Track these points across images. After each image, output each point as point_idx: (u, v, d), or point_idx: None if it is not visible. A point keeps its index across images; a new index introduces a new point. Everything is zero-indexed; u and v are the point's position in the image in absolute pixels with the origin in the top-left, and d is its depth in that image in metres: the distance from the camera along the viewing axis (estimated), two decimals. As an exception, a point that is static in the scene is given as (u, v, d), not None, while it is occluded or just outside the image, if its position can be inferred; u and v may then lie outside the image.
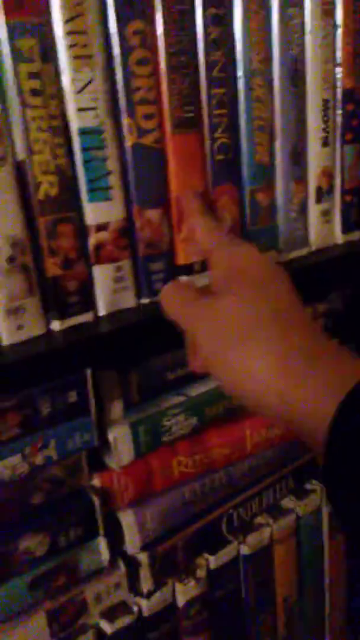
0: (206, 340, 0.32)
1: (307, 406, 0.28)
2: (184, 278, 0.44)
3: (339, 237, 0.55)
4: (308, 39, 0.48)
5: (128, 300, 0.44)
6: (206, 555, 0.54)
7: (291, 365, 0.29)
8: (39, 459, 0.41)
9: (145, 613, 0.50)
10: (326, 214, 0.54)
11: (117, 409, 0.46)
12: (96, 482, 0.47)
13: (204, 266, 0.45)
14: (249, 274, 0.33)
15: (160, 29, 0.40)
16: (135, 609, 0.49)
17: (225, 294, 0.33)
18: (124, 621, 0.48)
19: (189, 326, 0.34)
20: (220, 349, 0.31)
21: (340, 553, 0.66)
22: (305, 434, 0.29)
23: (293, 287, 0.33)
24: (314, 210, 0.53)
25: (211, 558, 0.54)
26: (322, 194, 0.53)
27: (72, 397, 0.41)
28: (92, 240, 0.41)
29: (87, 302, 0.42)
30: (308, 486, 0.62)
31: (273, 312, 0.31)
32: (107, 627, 0.47)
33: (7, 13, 0.34)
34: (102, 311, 0.43)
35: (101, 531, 0.46)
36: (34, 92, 0.35)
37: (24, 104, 0.35)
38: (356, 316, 0.61)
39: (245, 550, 0.56)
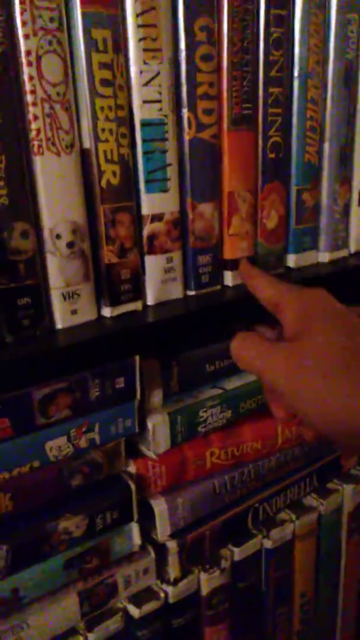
0: (293, 382, 0.32)
1: None
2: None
3: (378, 241, 0.56)
4: (363, 43, 0.48)
5: (176, 291, 0.45)
6: (231, 546, 0.55)
7: None
8: (83, 442, 0.42)
9: (171, 600, 0.51)
10: (368, 217, 0.54)
11: (156, 397, 0.47)
12: (131, 468, 0.48)
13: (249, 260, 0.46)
14: (325, 311, 0.33)
15: (225, 26, 0.40)
16: (161, 595, 0.50)
17: (308, 334, 0.32)
18: (150, 606, 0.49)
19: (270, 374, 0.33)
20: (317, 387, 0.31)
21: (356, 553, 0.67)
22: None
23: None
24: (356, 213, 0.53)
25: (236, 550, 0.55)
26: (366, 197, 0.53)
27: (120, 383, 0.42)
28: (147, 230, 0.42)
29: (138, 291, 0.42)
30: (331, 485, 0.63)
31: (354, 347, 0.31)
32: (134, 612, 0.48)
33: (83, 2, 0.34)
34: (150, 301, 0.44)
35: (135, 516, 0.47)
36: (105, 82, 0.36)
37: (94, 93, 0.36)
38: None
39: (268, 544, 0.57)
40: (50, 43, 0.34)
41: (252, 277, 0.39)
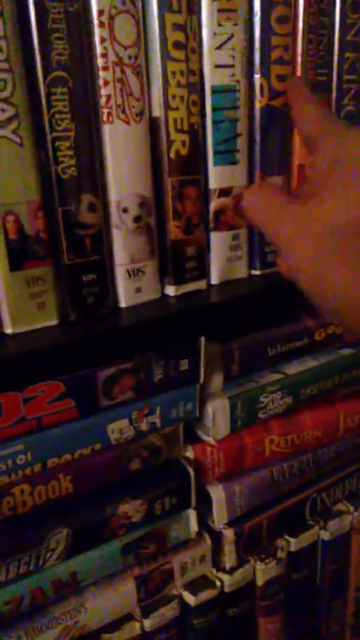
0: (298, 249, 0.27)
1: None
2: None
3: None
4: None
5: (240, 270, 0.43)
6: (287, 537, 0.53)
7: None
8: (144, 425, 0.41)
9: (227, 589, 0.49)
10: None
11: (217, 381, 0.45)
12: (189, 454, 0.46)
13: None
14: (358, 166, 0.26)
15: (302, -15, 0.38)
16: (217, 583, 0.49)
17: (326, 196, 0.26)
18: (207, 595, 0.48)
19: (275, 233, 0.29)
20: (315, 261, 0.26)
21: None
22: None
23: None
24: None
25: (292, 540, 0.53)
26: None
27: (184, 365, 0.40)
28: (214, 205, 0.40)
29: (203, 269, 0.41)
30: (390, 477, 0.60)
31: None
32: (190, 599, 0.47)
33: None
34: (214, 280, 0.42)
35: (193, 503, 0.45)
36: (177, 45, 0.34)
37: (166, 57, 0.34)
38: None
39: (325, 535, 0.55)
40: (123, 2, 0.32)
41: (300, 100, 0.33)
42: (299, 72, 0.39)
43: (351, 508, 0.57)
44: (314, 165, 0.29)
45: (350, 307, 0.27)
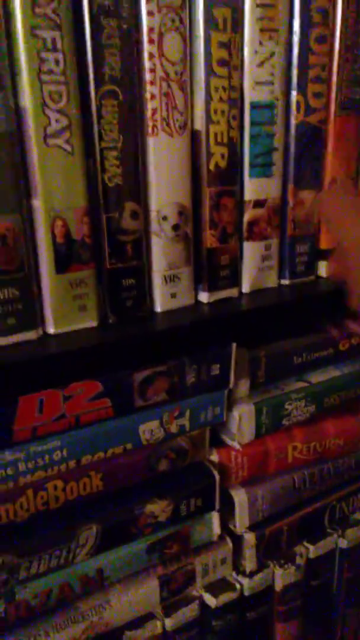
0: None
1: None
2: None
3: None
4: None
5: (270, 279, 0.44)
6: (306, 543, 0.54)
7: None
8: (174, 427, 0.42)
9: (246, 592, 0.50)
10: None
11: (244, 387, 0.46)
12: (214, 457, 0.47)
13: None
14: None
15: (340, 6, 0.39)
16: (237, 586, 0.50)
17: None
18: (227, 597, 0.49)
19: (344, 232, 0.32)
20: None
21: None
22: None
23: None
24: None
25: (311, 547, 0.54)
26: None
27: (216, 370, 0.41)
28: (248, 215, 0.41)
29: (235, 277, 0.42)
30: None
31: None
32: (211, 601, 0.48)
33: (209, -20, 0.34)
34: (245, 288, 0.43)
35: (217, 505, 0.46)
36: (222, 62, 0.35)
37: (210, 73, 0.35)
38: None
39: (343, 543, 0.55)
40: (172, 21, 0.33)
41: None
42: (334, 90, 0.41)
43: (369, 517, 0.57)
44: None
45: None
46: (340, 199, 0.33)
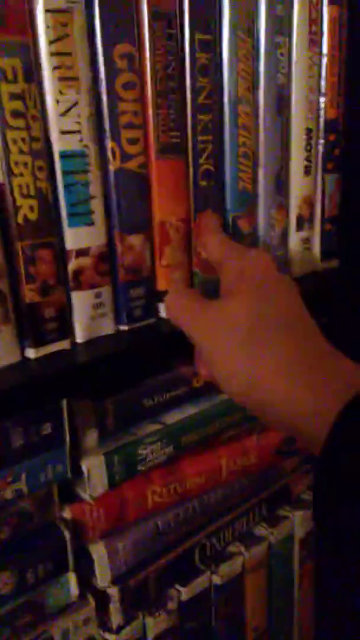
0: (211, 344, 0.32)
1: (310, 409, 0.28)
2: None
3: (318, 265, 0.55)
4: (294, 68, 0.47)
5: (106, 327, 0.43)
6: (178, 586, 0.53)
7: (297, 368, 0.29)
8: (8, 493, 0.39)
9: (114, 649, 0.48)
10: (306, 242, 0.54)
11: (91, 438, 0.45)
12: (67, 514, 0.45)
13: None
14: (258, 277, 0.33)
15: (148, 53, 0.39)
16: (104, 645, 0.48)
17: (231, 295, 0.32)
18: (92, 659, 0.46)
19: (194, 332, 0.33)
20: (226, 352, 0.31)
21: (309, 580, 0.66)
22: (306, 437, 0.29)
23: (299, 292, 0.33)
24: (294, 238, 0.53)
25: (183, 590, 0.53)
26: (303, 222, 0.53)
27: (47, 429, 0.39)
28: (72, 265, 0.39)
29: (65, 329, 0.40)
30: (281, 512, 0.61)
31: (280, 315, 0.31)
32: (74, 666, 0.46)
33: (-9, 31, 0.32)
34: (79, 338, 0.41)
35: (71, 566, 0.44)
36: (16, 114, 0.34)
37: (4, 125, 0.34)
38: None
39: (217, 580, 0.55)
40: None
41: (207, 233, 0.40)
42: (151, 135, 0.40)
43: (242, 548, 0.57)
44: (222, 281, 0.36)
45: (253, 391, 0.30)
46: (184, 299, 0.36)
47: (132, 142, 0.40)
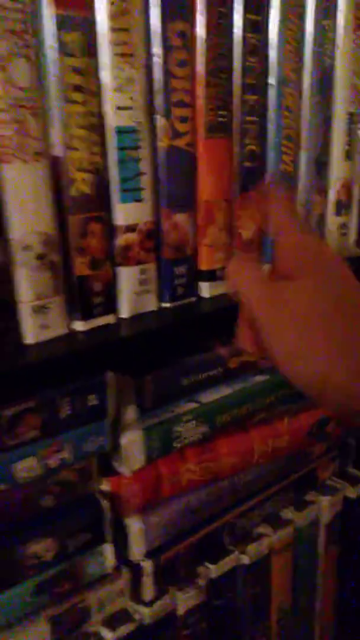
0: (273, 321, 0.31)
1: None
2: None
3: (353, 251, 0.55)
4: (339, 51, 0.48)
5: (150, 303, 0.43)
6: (207, 564, 0.53)
7: (354, 356, 0.29)
8: (53, 462, 0.40)
9: (146, 621, 0.49)
10: (343, 227, 0.54)
11: (130, 414, 0.46)
12: (105, 487, 0.46)
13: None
14: (318, 262, 0.32)
15: (201, 31, 0.39)
16: (136, 617, 0.48)
17: (299, 278, 0.31)
18: (125, 629, 0.47)
19: (256, 304, 0.32)
20: (285, 331, 0.30)
21: (333, 565, 0.66)
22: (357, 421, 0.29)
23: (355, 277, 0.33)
24: (331, 222, 0.53)
25: (212, 567, 0.53)
26: (342, 207, 0.53)
27: (92, 400, 0.40)
28: (120, 241, 0.40)
29: (111, 303, 0.41)
30: (307, 497, 0.62)
31: (340, 302, 0.30)
32: (108, 635, 0.46)
33: (57, 5, 0.33)
34: (124, 313, 0.42)
35: (108, 537, 0.45)
36: (76, 88, 0.35)
37: (65, 100, 0.34)
38: None
39: (244, 560, 0.56)
40: (17, 45, 0.32)
41: (273, 200, 0.36)
42: (200, 114, 0.41)
43: (270, 530, 0.58)
44: (278, 255, 0.33)
45: (306, 373, 0.29)
46: (250, 271, 0.33)
47: (183, 120, 0.40)
